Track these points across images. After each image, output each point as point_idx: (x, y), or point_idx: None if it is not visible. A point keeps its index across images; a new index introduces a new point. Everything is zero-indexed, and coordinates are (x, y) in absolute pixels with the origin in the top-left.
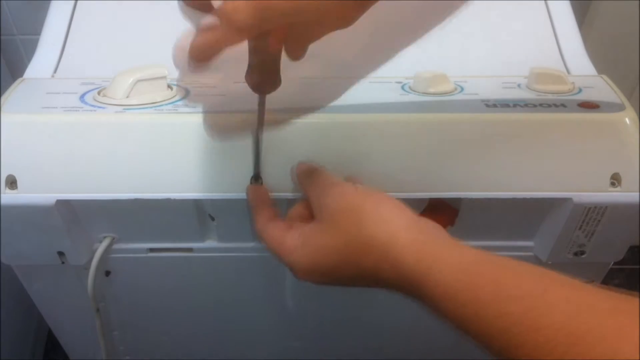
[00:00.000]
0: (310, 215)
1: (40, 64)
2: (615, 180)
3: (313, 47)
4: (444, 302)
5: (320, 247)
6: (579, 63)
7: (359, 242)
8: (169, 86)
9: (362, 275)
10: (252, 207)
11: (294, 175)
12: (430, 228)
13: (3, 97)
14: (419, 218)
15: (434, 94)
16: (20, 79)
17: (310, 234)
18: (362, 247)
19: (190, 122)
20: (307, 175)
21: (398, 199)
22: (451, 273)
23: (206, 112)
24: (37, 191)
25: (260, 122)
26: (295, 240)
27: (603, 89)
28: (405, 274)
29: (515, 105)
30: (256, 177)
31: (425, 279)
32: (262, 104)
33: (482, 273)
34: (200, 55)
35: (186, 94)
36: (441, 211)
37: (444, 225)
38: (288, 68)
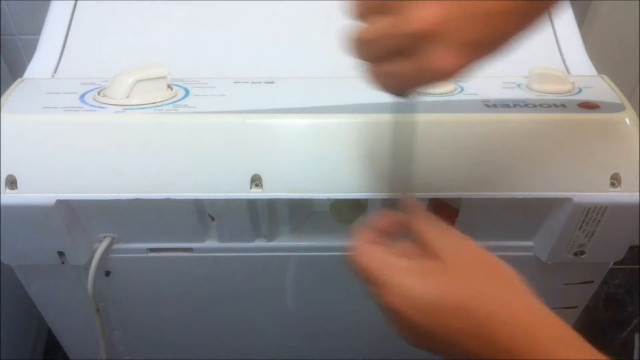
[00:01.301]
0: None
1: (40, 64)
2: (615, 180)
3: (318, 47)
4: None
5: (439, 283)
6: (579, 63)
7: (475, 299)
8: (169, 86)
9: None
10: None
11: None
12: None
13: (3, 97)
14: (528, 290)
15: (434, 94)
16: (20, 79)
17: (430, 270)
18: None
19: (190, 122)
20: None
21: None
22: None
23: (207, 112)
24: (37, 191)
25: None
26: (412, 265)
27: (603, 89)
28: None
29: (515, 105)
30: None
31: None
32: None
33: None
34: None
35: (186, 94)
36: (441, 211)
37: None
38: (290, 68)
